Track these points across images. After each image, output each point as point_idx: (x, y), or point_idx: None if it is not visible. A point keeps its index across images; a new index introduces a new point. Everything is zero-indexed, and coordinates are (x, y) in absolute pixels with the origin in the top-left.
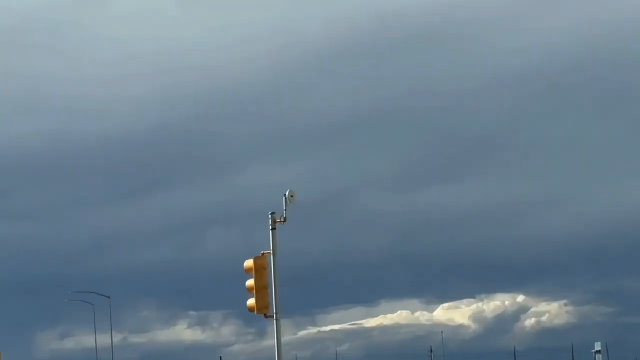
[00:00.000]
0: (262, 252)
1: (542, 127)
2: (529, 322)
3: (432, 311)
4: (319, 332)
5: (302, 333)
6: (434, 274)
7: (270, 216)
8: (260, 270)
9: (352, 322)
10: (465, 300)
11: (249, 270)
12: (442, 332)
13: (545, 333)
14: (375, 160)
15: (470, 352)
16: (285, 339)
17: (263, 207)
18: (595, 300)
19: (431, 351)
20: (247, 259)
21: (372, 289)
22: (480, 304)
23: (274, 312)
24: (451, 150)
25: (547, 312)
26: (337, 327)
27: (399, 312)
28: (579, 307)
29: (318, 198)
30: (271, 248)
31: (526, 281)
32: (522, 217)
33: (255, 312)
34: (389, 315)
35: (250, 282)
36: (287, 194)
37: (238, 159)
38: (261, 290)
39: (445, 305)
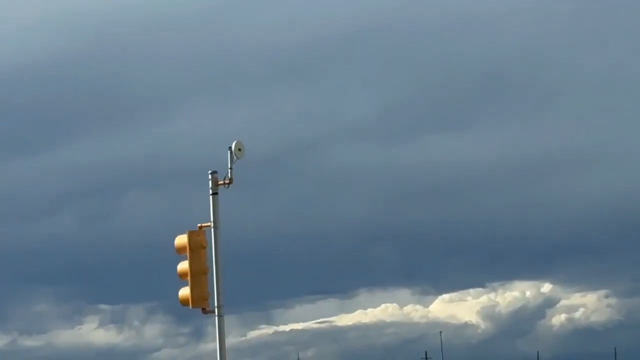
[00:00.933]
0: (200, 224)
1: (576, 57)
2: (558, 319)
3: (427, 304)
4: (276, 332)
5: (253, 334)
6: (430, 254)
7: (210, 176)
8: (196, 250)
9: (321, 319)
10: (472, 290)
11: (181, 250)
12: (440, 332)
13: (579, 334)
14: (352, 101)
15: (479, 358)
16: (230, 341)
17: (200, 164)
18: None
19: (426, 358)
20: (180, 234)
21: (347, 275)
22: (492, 295)
23: (216, 305)
24: (454, 89)
25: (582, 305)
26: (299, 325)
27: (383, 306)
28: (625, 300)
29: (275, 152)
30: (211, 219)
31: (554, 265)
32: (548, 179)
33: (190, 306)
34: (370, 310)
35: (184, 266)
36: (232, 146)
37: (164, 100)
38: (198, 276)
39: (446, 296)
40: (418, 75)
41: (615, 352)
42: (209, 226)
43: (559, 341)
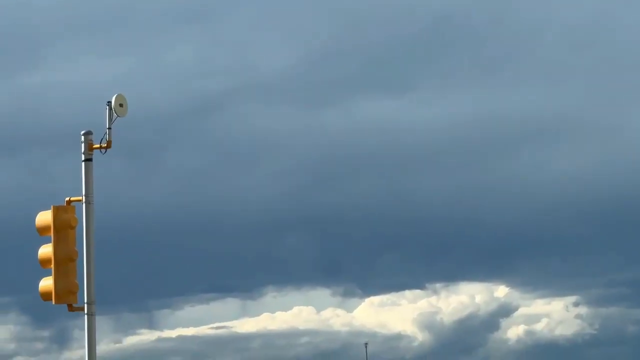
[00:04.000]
0: (68, 198)
1: (544, 6)
2: (514, 331)
3: (351, 309)
4: (159, 338)
5: (131, 340)
6: (356, 246)
7: (82, 138)
8: (63, 230)
9: (216, 324)
10: (408, 293)
11: (44, 230)
12: (366, 343)
13: (541, 350)
14: (263, 51)
15: None
16: (102, 348)
17: (68, 122)
18: (627, 297)
19: None
20: (42, 210)
21: (251, 270)
22: (432, 300)
23: (85, 301)
24: (393, 40)
25: (545, 315)
26: (189, 331)
27: (295, 309)
28: (598, 309)
29: (165, 112)
30: (83, 192)
31: (511, 263)
32: (506, 155)
33: (53, 301)
34: (279, 314)
35: (46, 250)
36: (112, 101)
37: (28, 43)
38: (65, 263)
39: (375, 299)
40: (348, 21)
41: None
42: (80, 201)
43: (516, 359)
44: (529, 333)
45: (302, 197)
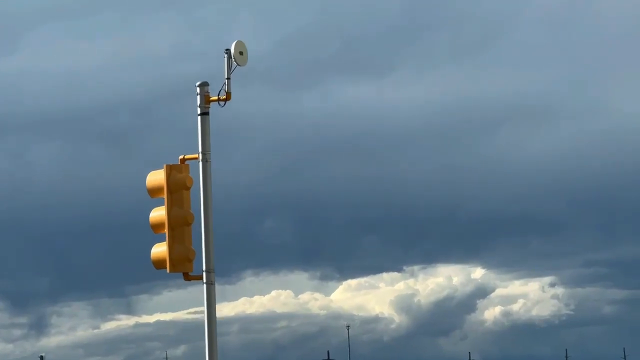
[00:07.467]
0: (182, 156)
1: None
2: (491, 312)
3: (329, 292)
4: (137, 324)
5: (108, 325)
6: (333, 229)
7: (197, 90)
8: (177, 191)
9: (194, 309)
10: (385, 275)
11: (155, 192)
12: (347, 326)
13: (518, 331)
14: (238, 33)
15: (393, 359)
16: (78, 334)
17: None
18: (603, 276)
19: (328, 358)
20: (152, 169)
21: (228, 254)
22: (410, 282)
23: (204, 269)
24: (371, 22)
25: (522, 296)
26: (167, 316)
27: (274, 293)
28: (574, 289)
29: (143, 95)
30: (199, 149)
31: (487, 245)
32: (484, 137)
33: (168, 269)
34: (257, 298)
35: (158, 214)
36: (231, 48)
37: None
38: (180, 227)
39: (352, 282)
40: (325, 3)
41: (567, 355)
42: (196, 159)
43: (492, 340)
44: (505, 314)
45: (279, 180)
